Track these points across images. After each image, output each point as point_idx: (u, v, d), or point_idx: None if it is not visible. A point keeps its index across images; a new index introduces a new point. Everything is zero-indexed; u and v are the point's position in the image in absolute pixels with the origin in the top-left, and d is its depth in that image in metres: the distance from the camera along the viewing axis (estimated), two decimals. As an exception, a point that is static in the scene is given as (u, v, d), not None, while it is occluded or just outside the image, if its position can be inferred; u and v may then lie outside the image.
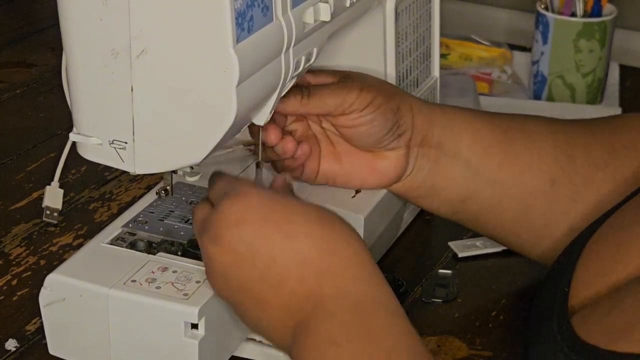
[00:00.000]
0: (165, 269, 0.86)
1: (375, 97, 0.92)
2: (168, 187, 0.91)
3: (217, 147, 0.82)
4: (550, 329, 0.77)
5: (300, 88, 0.91)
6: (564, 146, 0.94)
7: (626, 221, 0.82)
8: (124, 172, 0.85)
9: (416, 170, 0.96)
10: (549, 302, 0.81)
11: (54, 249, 1.06)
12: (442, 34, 1.15)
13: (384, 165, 0.96)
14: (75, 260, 0.88)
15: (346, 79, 0.93)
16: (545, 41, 1.36)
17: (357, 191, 0.98)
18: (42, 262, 1.04)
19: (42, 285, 0.86)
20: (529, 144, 0.95)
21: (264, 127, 0.90)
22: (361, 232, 0.95)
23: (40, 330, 0.91)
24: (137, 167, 0.82)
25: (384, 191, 0.98)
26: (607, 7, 1.37)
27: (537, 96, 1.40)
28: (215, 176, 0.82)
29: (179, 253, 0.89)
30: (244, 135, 0.97)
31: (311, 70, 0.93)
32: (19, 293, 1.00)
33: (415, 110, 0.95)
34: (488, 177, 0.96)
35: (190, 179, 0.97)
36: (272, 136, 0.92)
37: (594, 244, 0.82)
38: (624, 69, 1.50)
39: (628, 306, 0.72)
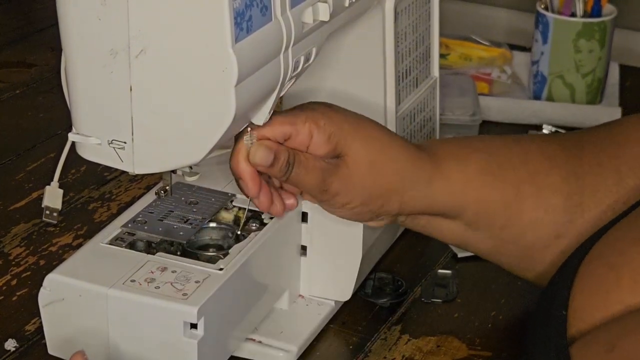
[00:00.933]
0: (164, 269, 0.86)
1: (351, 202, 0.89)
2: (167, 187, 0.91)
3: (216, 147, 0.81)
4: (548, 358, 0.76)
5: (288, 159, 0.87)
6: (574, 195, 0.91)
7: (618, 242, 0.81)
8: (123, 172, 0.84)
9: (409, 222, 0.94)
10: (546, 326, 0.79)
11: (53, 249, 1.06)
12: (441, 34, 1.15)
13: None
14: (75, 260, 0.88)
15: (331, 172, 0.88)
16: (545, 41, 1.36)
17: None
18: (42, 262, 1.04)
19: (41, 285, 0.86)
20: (537, 201, 0.92)
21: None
22: (361, 232, 0.95)
23: (40, 330, 0.91)
24: (136, 167, 0.82)
25: (384, 191, 0.98)
26: (607, 7, 1.37)
27: (537, 96, 1.39)
28: None
29: (178, 253, 0.89)
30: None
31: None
32: (18, 293, 1.00)
33: (407, 199, 0.91)
34: (489, 235, 0.94)
35: (189, 179, 0.97)
36: (264, 203, 0.89)
37: (588, 265, 0.81)
38: (624, 69, 1.49)
39: (628, 350, 0.71)
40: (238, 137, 0.86)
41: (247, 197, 0.88)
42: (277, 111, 0.87)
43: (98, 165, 0.86)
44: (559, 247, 0.91)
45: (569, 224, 0.91)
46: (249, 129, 0.85)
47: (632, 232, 0.80)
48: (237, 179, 0.87)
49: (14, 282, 1.01)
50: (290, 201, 0.91)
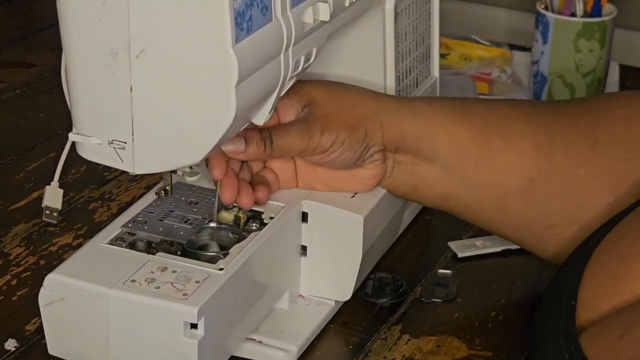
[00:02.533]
0: (164, 269, 0.86)
1: (338, 135, 0.91)
2: (167, 187, 0.91)
3: (217, 147, 0.82)
4: (557, 346, 0.77)
5: (261, 134, 0.89)
6: (544, 144, 0.93)
7: (629, 234, 0.81)
8: (123, 172, 0.84)
9: (397, 172, 0.96)
10: (556, 315, 0.80)
11: (53, 249, 1.06)
12: (441, 34, 1.15)
13: (362, 174, 0.96)
14: (75, 260, 0.88)
15: (307, 119, 0.91)
16: (545, 41, 1.36)
17: (357, 191, 0.98)
18: (42, 262, 1.04)
19: (41, 285, 0.86)
20: (507, 145, 0.94)
21: (221, 182, 0.90)
22: (361, 232, 0.95)
23: (40, 330, 0.91)
24: (137, 167, 0.82)
25: (384, 191, 0.98)
26: (607, 7, 1.37)
27: (537, 96, 1.39)
28: None
29: (179, 253, 0.89)
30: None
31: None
32: (18, 293, 1.00)
33: (385, 125, 0.94)
34: (464, 178, 0.95)
35: (189, 179, 0.97)
36: (227, 193, 0.91)
37: (599, 256, 0.81)
38: (624, 69, 1.50)
39: (638, 337, 0.72)
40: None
41: (216, 186, 0.91)
42: None
43: (98, 165, 0.86)
44: (533, 197, 0.93)
45: (539, 170, 0.93)
46: None
47: None
48: (207, 166, 0.90)
49: (14, 282, 1.01)
50: (260, 194, 0.93)
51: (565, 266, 0.85)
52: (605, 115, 0.94)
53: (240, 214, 0.94)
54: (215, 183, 0.91)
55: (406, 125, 0.95)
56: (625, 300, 0.76)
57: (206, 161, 0.90)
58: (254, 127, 0.89)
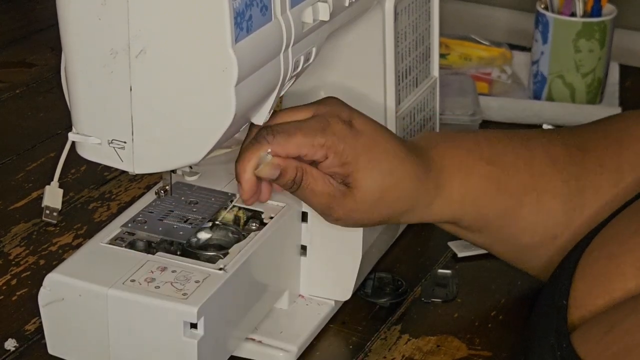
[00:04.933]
0: (164, 269, 0.86)
1: (355, 222, 0.91)
2: (167, 187, 0.91)
3: (216, 147, 0.81)
4: (549, 344, 0.77)
5: (296, 175, 0.87)
6: (575, 197, 0.92)
7: (619, 233, 0.82)
8: (123, 171, 0.85)
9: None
10: (548, 316, 0.81)
11: (53, 248, 1.06)
12: (441, 34, 1.15)
13: None
14: (75, 259, 0.88)
15: (337, 198, 0.88)
16: (545, 41, 1.36)
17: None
18: (42, 262, 1.04)
19: (41, 285, 0.86)
20: (538, 206, 0.93)
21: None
22: (361, 233, 0.95)
23: (40, 330, 0.91)
24: (136, 166, 0.82)
25: (384, 191, 0.98)
26: (607, 7, 1.37)
27: (537, 96, 1.39)
28: None
29: (178, 253, 0.89)
30: (244, 135, 0.97)
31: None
32: (18, 293, 1.00)
33: (404, 218, 0.92)
34: (484, 235, 0.95)
35: (189, 179, 0.97)
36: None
37: (589, 256, 0.82)
38: (624, 69, 1.50)
39: (625, 331, 0.72)
40: (251, 145, 0.86)
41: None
42: (298, 123, 0.86)
43: (98, 165, 0.86)
44: (555, 246, 0.93)
45: (566, 225, 0.93)
46: (269, 150, 0.85)
47: (633, 224, 0.81)
48: (237, 180, 0.87)
49: (14, 281, 1.01)
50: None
51: (558, 270, 0.86)
52: (629, 138, 0.92)
53: (240, 214, 0.94)
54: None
55: (433, 214, 0.93)
56: (616, 298, 0.77)
57: (237, 176, 0.88)
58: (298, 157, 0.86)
